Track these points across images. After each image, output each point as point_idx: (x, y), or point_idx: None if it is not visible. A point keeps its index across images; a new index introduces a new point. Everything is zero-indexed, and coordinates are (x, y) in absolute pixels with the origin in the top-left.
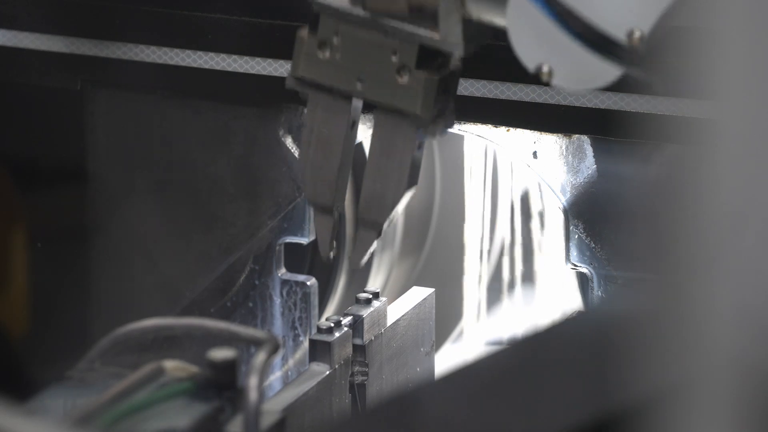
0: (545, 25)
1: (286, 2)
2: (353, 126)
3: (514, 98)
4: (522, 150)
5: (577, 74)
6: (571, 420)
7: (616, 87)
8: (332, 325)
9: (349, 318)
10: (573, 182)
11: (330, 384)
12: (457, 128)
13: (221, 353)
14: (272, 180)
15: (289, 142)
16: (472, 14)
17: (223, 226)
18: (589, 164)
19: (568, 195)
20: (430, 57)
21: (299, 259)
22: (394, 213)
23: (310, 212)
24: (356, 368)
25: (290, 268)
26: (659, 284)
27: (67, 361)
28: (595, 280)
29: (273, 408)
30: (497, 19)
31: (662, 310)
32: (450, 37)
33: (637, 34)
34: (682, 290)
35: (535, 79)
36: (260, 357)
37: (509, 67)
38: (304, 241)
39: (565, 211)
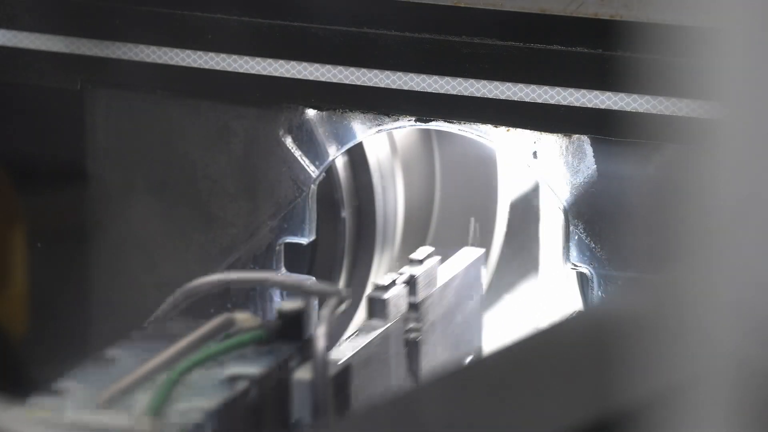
0: None
1: (286, 2)
2: None
3: (514, 98)
4: (522, 150)
5: None
6: (570, 420)
7: (616, 87)
8: (389, 283)
9: (405, 276)
10: (573, 182)
11: (386, 340)
12: (457, 128)
13: (290, 304)
14: (272, 180)
15: (289, 142)
16: None
17: (223, 226)
18: (589, 164)
19: (568, 195)
20: None
21: (299, 259)
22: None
23: (310, 212)
24: (411, 325)
25: (290, 268)
26: (659, 284)
27: (66, 361)
28: (595, 280)
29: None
30: None
31: (662, 309)
32: None
33: None
34: (682, 290)
35: (535, 79)
36: (328, 308)
37: (509, 67)
38: (304, 241)
39: (565, 211)
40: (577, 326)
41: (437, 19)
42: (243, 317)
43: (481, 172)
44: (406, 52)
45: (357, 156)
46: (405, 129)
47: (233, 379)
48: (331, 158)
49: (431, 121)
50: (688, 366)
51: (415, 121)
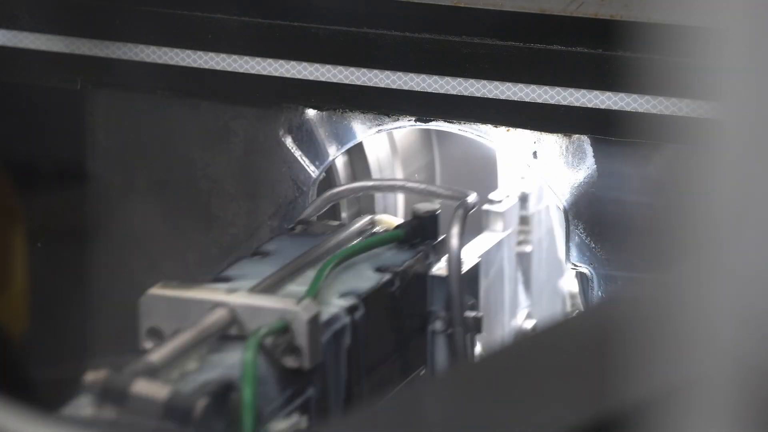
0: None
1: (286, 2)
2: None
3: (514, 98)
4: (522, 150)
5: None
6: (570, 420)
7: (616, 87)
8: (502, 198)
9: (517, 191)
10: (573, 182)
11: (500, 248)
12: (457, 128)
13: (425, 206)
14: (272, 180)
15: (289, 142)
16: None
17: (223, 226)
18: (589, 164)
19: (568, 195)
20: None
21: None
22: None
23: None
24: (522, 237)
25: None
26: (659, 284)
27: (66, 361)
28: (595, 280)
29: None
30: None
31: (662, 310)
32: None
33: None
34: (682, 290)
35: (535, 79)
36: (460, 210)
37: (509, 67)
38: None
39: (565, 211)
40: (577, 326)
41: (437, 19)
42: (384, 218)
43: (481, 172)
44: (406, 52)
45: (357, 156)
46: (405, 129)
47: (379, 271)
48: (331, 158)
49: (431, 121)
50: (688, 365)
51: (415, 121)
